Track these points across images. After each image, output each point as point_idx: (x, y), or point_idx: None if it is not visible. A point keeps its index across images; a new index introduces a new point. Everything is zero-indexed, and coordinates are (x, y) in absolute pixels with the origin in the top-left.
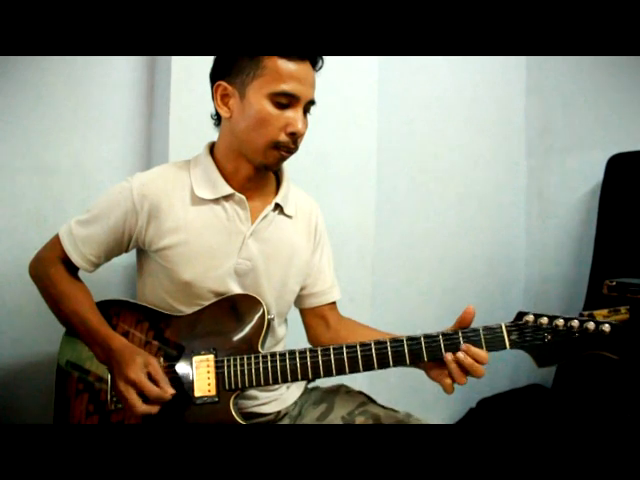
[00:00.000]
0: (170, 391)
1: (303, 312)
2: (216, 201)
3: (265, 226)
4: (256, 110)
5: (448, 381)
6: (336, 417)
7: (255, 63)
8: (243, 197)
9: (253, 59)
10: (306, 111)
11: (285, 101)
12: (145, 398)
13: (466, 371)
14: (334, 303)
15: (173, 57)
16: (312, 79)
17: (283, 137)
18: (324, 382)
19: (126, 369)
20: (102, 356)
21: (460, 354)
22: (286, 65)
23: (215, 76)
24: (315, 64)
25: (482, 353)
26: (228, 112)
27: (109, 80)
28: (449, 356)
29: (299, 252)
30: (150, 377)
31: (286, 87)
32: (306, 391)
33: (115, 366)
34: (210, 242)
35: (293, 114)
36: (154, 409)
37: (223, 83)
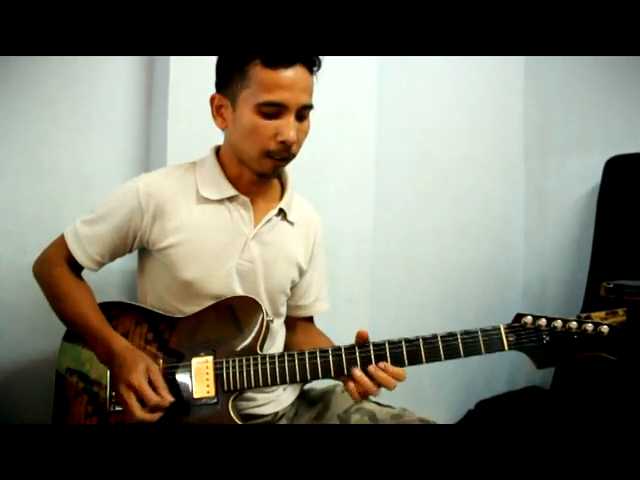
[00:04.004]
0: (168, 399)
1: None
2: (220, 202)
3: (268, 230)
4: (246, 121)
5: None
6: (332, 416)
7: (241, 75)
8: (247, 199)
9: (240, 71)
10: (301, 117)
11: (273, 110)
12: (144, 404)
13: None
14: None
15: (172, 58)
16: (304, 84)
17: (274, 146)
18: (320, 383)
19: (128, 374)
20: (103, 356)
21: (371, 368)
22: (269, 74)
23: (215, 88)
24: (310, 66)
25: (400, 371)
26: (223, 123)
27: (107, 81)
28: (357, 371)
29: (297, 259)
30: (150, 383)
31: (271, 97)
32: (302, 392)
33: (117, 369)
34: (213, 242)
35: (283, 122)
36: (152, 417)
37: (217, 95)
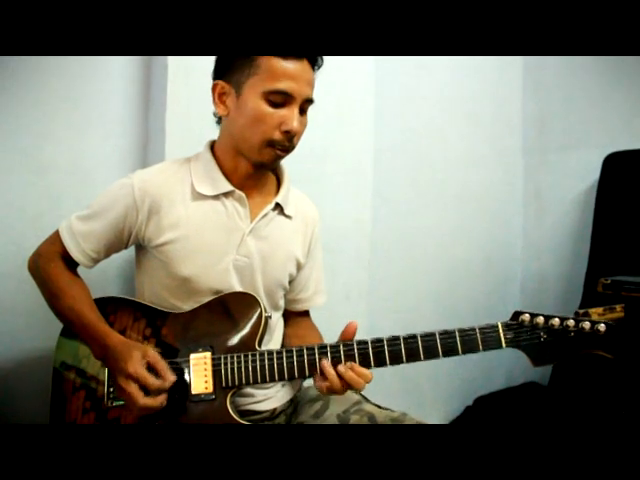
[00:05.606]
0: (170, 378)
1: None
2: (216, 197)
3: (264, 224)
4: (251, 108)
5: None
6: (331, 415)
7: (250, 61)
8: (243, 194)
9: (248, 58)
10: (303, 110)
11: (280, 99)
12: (146, 391)
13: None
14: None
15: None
16: (309, 78)
17: (277, 135)
18: None
19: (124, 365)
20: (98, 353)
21: (341, 367)
22: (280, 64)
23: (214, 75)
24: (314, 63)
25: (365, 372)
26: (225, 110)
27: (106, 78)
28: (327, 366)
29: (294, 253)
30: (150, 367)
31: (280, 85)
32: (301, 389)
33: (113, 363)
34: (209, 238)
35: (288, 112)
36: (156, 402)
37: (220, 82)
